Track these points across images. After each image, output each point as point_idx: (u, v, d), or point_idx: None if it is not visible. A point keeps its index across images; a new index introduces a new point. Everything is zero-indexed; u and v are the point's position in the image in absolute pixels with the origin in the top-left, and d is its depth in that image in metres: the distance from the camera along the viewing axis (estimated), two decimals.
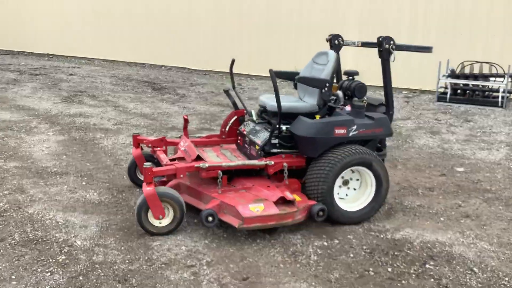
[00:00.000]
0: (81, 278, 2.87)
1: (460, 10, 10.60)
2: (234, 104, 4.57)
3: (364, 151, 3.71)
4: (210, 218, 3.40)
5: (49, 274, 2.90)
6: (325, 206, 3.67)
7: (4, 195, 4.15)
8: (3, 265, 3.00)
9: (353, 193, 3.90)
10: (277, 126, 3.80)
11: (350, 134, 3.74)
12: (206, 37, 14.96)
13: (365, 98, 4.46)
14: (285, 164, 3.79)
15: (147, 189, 3.37)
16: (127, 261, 3.10)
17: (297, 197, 3.72)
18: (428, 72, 10.53)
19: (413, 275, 3.08)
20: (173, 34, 15.81)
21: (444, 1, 10.80)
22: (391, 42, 3.96)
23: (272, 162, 3.76)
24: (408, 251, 3.40)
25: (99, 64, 16.71)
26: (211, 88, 11.30)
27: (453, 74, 9.36)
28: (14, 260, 3.06)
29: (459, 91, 9.47)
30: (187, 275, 2.96)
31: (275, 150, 3.88)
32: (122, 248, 3.27)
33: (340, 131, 3.72)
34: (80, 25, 18.41)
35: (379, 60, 4.16)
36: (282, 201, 3.58)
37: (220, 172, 3.65)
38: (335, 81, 4.40)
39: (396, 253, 3.36)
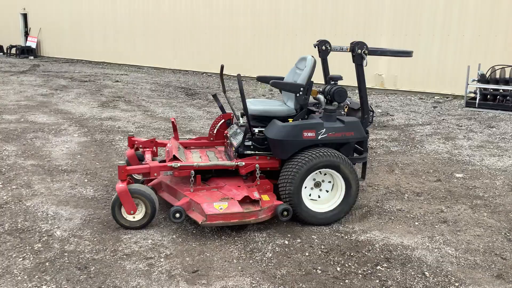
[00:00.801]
0: (47, 264, 3.18)
1: (494, 12, 10.22)
2: (222, 107, 4.78)
3: (331, 153, 3.79)
4: (177, 215, 3.62)
5: (21, 259, 3.23)
6: (293, 206, 3.79)
7: (11, 189, 4.59)
8: None
9: (325, 195, 3.99)
10: (249, 129, 3.97)
11: (319, 137, 3.84)
12: (245, 45, 15.37)
13: (348, 103, 4.53)
14: (257, 165, 3.95)
15: (119, 185, 3.65)
16: (94, 251, 3.38)
17: (265, 197, 3.87)
18: (460, 76, 10.25)
19: (360, 276, 3.13)
20: (214, 42, 16.36)
21: (478, 3, 10.46)
22: (364, 47, 4.01)
23: (243, 163, 3.93)
24: (366, 253, 3.45)
25: (146, 72, 17.52)
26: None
27: (482, 79, 9.05)
28: None
29: (489, 96, 9.13)
30: (142, 266, 3.19)
31: (249, 152, 4.04)
32: (95, 239, 3.57)
33: (308, 134, 3.82)
34: (132, 35, 19.39)
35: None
36: (250, 200, 3.74)
37: (192, 171, 3.87)
38: (319, 85, 4.49)
39: (352, 254, 3.42)
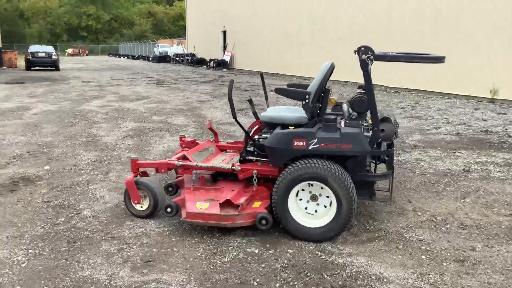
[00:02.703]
0: (52, 234, 3.78)
1: None
2: (255, 113, 4.82)
3: (319, 165, 3.54)
4: (168, 209, 3.89)
5: (38, 227, 3.93)
6: (279, 217, 3.67)
7: (93, 174, 5.50)
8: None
9: (322, 210, 3.72)
10: (246, 134, 3.97)
11: (310, 147, 3.62)
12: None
13: (382, 114, 4.12)
14: (254, 171, 3.93)
15: (128, 177, 4.10)
16: (94, 230, 3.88)
17: (257, 204, 3.83)
18: None
19: None
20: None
21: None
22: (369, 52, 3.60)
23: (239, 168, 3.95)
24: (327, 276, 3.13)
25: (297, 81, 17.99)
26: (382, 106, 11.21)
27: None
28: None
29: None
30: (114, 248, 3.55)
31: (251, 157, 4.04)
32: (105, 221, 4.06)
33: (299, 143, 3.64)
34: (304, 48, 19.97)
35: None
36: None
37: (194, 171, 4.08)
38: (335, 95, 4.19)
39: (310, 275, 3.15)
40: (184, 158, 4.24)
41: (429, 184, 5.10)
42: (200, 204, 3.75)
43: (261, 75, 4.90)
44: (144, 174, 4.39)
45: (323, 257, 3.42)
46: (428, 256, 3.43)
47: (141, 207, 4.13)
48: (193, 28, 35.12)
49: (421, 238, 3.74)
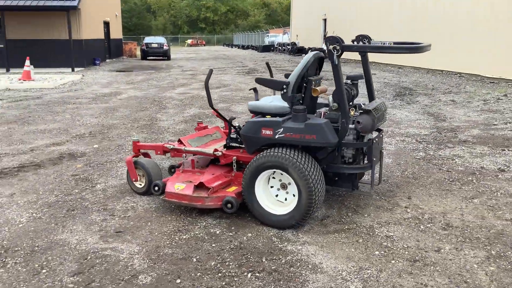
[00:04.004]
0: (59, 202, 4.35)
1: None
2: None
3: (281, 154, 3.58)
4: (156, 188, 4.23)
5: (54, 197, 4.55)
6: (247, 202, 3.80)
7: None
8: None
9: (291, 199, 3.77)
10: (224, 121, 4.12)
11: (276, 136, 3.67)
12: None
13: (362, 104, 4.01)
14: (234, 157, 4.09)
15: (128, 157, 4.52)
16: (96, 202, 4.35)
17: (232, 188, 4.00)
18: None
19: (219, 275, 3.04)
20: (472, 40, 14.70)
21: None
22: (335, 43, 3.51)
23: (220, 153, 4.14)
24: (264, 260, 3.20)
25: (392, 70, 17.21)
26: (464, 97, 10.43)
27: None
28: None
29: None
30: (98, 218, 3.96)
31: (234, 144, 4.20)
32: (110, 195, 4.54)
33: (266, 132, 3.71)
34: None
35: None
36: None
37: (184, 154, 4.36)
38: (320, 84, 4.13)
39: (250, 258, 3.25)
40: (181, 142, 4.53)
41: (446, 182, 4.77)
42: (178, 185, 4.02)
43: (267, 64, 4.98)
44: (146, 155, 4.78)
45: (276, 243, 3.49)
46: (382, 252, 3.31)
47: (140, 184, 4.53)
48: (297, 17, 35.26)
49: (390, 234, 3.60)
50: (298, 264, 3.17)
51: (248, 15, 75.88)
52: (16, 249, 3.43)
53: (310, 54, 4.00)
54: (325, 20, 28.29)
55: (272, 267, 3.12)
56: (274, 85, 4.02)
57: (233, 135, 4.22)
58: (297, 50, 29.61)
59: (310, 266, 3.14)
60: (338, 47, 3.51)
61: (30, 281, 2.99)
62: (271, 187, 3.83)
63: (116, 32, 30.40)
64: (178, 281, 2.98)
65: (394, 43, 4.01)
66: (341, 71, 3.57)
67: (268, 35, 49.95)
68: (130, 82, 15.18)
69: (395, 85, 13.07)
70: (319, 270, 3.09)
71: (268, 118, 3.83)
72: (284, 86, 3.90)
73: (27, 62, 15.17)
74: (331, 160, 3.77)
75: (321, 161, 3.78)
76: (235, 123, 4.33)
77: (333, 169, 3.81)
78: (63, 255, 3.33)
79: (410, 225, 3.76)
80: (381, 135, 4.09)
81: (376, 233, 3.63)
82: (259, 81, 4.07)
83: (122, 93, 12.51)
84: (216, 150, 4.19)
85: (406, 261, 3.18)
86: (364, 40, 4.22)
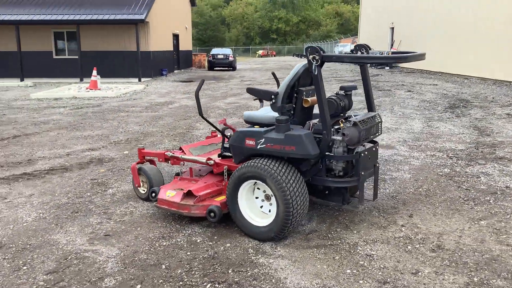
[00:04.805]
0: (69, 204, 4.64)
1: None
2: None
3: (260, 165, 3.55)
4: (153, 194, 4.35)
5: (65, 198, 4.83)
6: (231, 212, 3.80)
7: None
8: None
9: (274, 210, 3.72)
10: (221, 133, 4.16)
11: (258, 146, 3.65)
12: None
13: (353, 116, 3.89)
14: (225, 167, 4.11)
15: (133, 163, 4.69)
16: (101, 205, 4.59)
17: (221, 198, 4.02)
18: None
19: (187, 285, 3.07)
20: None
21: None
22: (315, 52, 3.41)
23: (212, 162, 4.17)
24: (232, 272, 3.19)
25: (456, 81, 16.33)
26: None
27: None
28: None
29: None
30: (95, 222, 4.15)
31: (227, 154, 4.22)
32: (117, 200, 4.75)
33: (250, 142, 3.70)
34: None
35: None
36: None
37: (182, 162, 4.45)
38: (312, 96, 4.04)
39: (217, 268, 3.25)
40: (182, 150, 4.64)
41: (459, 201, 4.46)
42: (169, 192, 4.12)
43: (273, 74, 4.97)
44: (152, 162, 4.93)
45: (250, 255, 3.45)
46: (354, 271, 3.16)
47: (143, 190, 4.69)
48: (365, 26, 34.57)
49: (372, 253, 3.43)
50: (263, 277, 3.11)
51: (320, 25, 75.56)
52: (11, 246, 3.69)
53: (299, 65, 3.94)
54: (392, 28, 27.51)
55: (235, 279, 3.10)
56: (263, 95, 4.00)
57: (227, 145, 4.25)
58: None
59: (273, 280, 3.08)
60: (317, 57, 3.43)
61: (8, 276, 3.20)
62: (256, 198, 3.80)
63: (186, 44, 31.60)
64: (139, 286, 3.04)
65: (393, 53, 3.85)
66: (322, 81, 3.48)
67: (338, 45, 49.44)
68: (187, 92, 15.68)
69: (451, 97, 12.38)
70: (280, 285, 3.01)
71: (254, 128, 3.82)
72: (273, 96, 3.88)
73: (94, 72, 16.22)
74: (315, 172, 3.68)
75: (305, 174, 3.70)
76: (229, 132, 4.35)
77: (318, 182, 3.72)
78: (48, 254, 3.53)
79: (397, 245, 3.55)
80: (374, 148, 3.92)
81: (358, 250, 3.47)
82: (249, 91, 4.08)
83: (175, 102, 12.96)
84: (209, 159, 4.24)
85: (375, 282, 3.01)
86: (362, 50, 4.08)
